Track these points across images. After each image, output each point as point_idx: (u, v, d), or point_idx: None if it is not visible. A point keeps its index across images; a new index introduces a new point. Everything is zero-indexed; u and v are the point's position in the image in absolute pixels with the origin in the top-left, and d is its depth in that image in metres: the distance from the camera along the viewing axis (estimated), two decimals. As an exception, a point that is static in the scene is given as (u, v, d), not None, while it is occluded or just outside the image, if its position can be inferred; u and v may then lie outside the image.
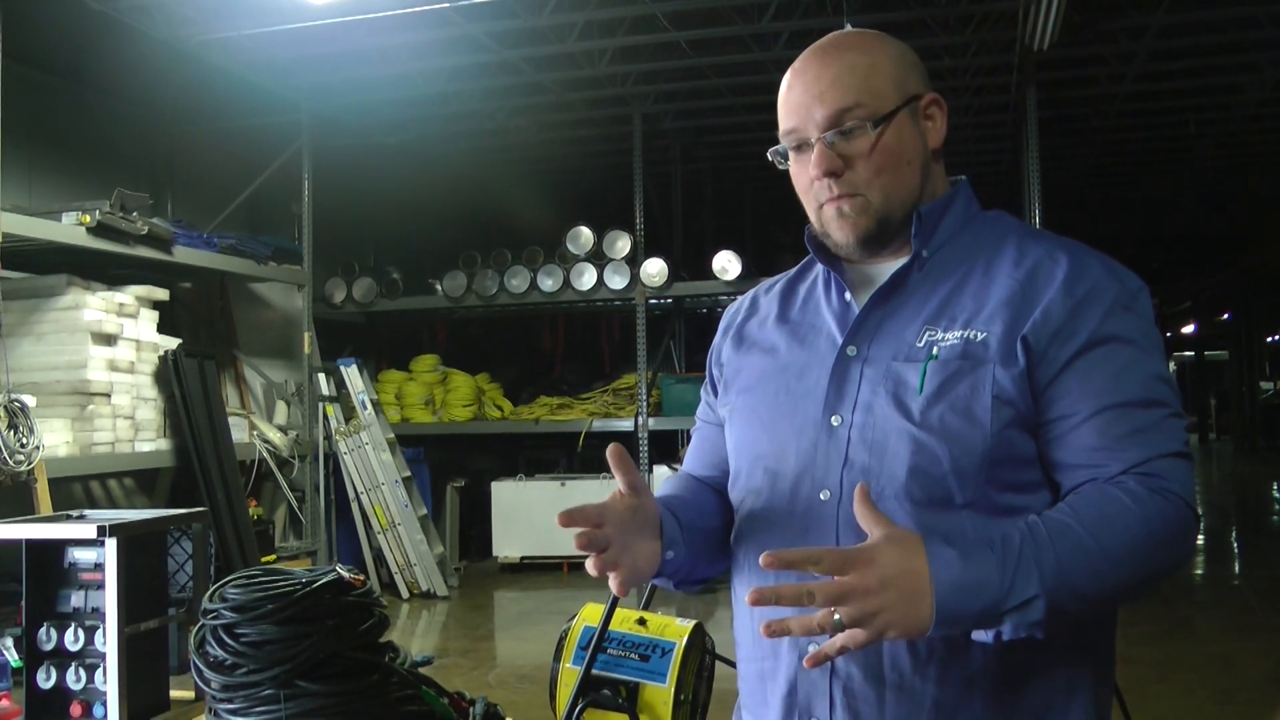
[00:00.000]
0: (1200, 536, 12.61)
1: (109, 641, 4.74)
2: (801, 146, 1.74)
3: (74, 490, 7.80)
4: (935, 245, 1.75)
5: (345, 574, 4.38)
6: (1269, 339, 31.00)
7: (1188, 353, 32.44)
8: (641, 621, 3.24)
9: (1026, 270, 1.68)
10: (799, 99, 1.73)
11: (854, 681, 1.64)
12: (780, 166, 1.81)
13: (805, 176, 1.75)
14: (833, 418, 1.70)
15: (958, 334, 1.65)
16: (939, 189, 1.79)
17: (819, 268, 1.88)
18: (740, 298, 2.03)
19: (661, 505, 1.79)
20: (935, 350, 1.65)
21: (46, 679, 4.85)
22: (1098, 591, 1.50)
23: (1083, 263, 1.68)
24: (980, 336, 1.64)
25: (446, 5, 7.76)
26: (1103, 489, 1.56)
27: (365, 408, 10.11)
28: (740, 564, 1.83)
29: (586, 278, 10.90)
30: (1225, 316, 28.88)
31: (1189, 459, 1.62)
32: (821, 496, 1.68)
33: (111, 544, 4.74)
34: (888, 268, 1.78)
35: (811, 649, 1.63)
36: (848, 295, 1.78)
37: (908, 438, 1.63)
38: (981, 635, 1.50)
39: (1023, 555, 1.46)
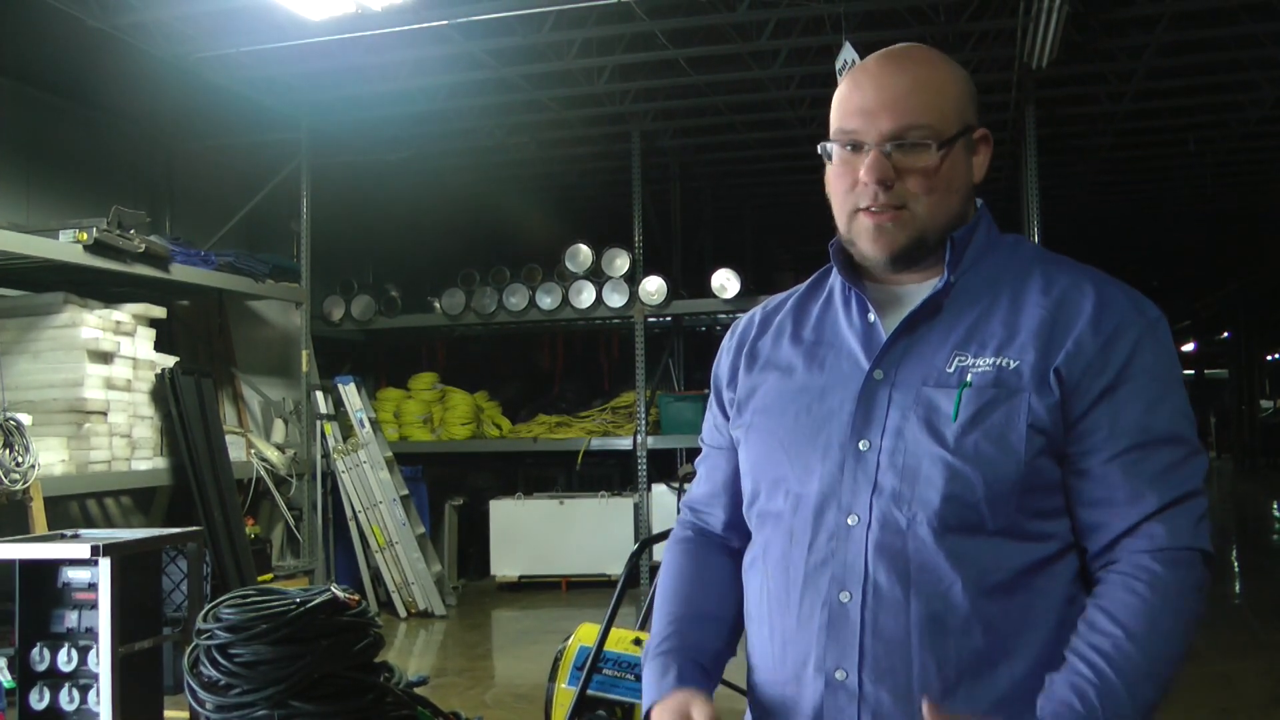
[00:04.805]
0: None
1: (102, 662, 4.71)
2: (855, 148, 1.71)
3: (70, 509, 7.77)
4: (962, 270, 1.74)
5: (340, 593, 4.36)
6: (1269, 357, 31.00)
7: (1187, 371, 32.43)
8: (637, 642, 3.21)
9: (1055, 299, 1.69)
10: (866, 102, 1.70)
11: (883, 706, 1.63)
12: (827, 162, 1.77)
13: (848, 178, 1.72)
14: (860, 442, 1.69)
15: (989, 361, 1.66)
16: (967, 216, 1.78)
17: (835, 284, 1.85)
18: (746, 315, 1.99)
19: (690, 663, 1.79)
20: (968, 377, 1.65)
21: (40, 700, 4.83)
22: (1160, 699, 1.57)
23: (1108, 294, 1.69)
24: (1013, 364, 1.65)
25: (445, 23, 7.76)
26: (1132, 587, 1.59)
27: (363, 426, 10.09)
28: (759, 587, 1.80)
29: (585, 296, 10.88)
30: (1225, 335, 28.89)
31: (1205, 495, 1.65)
32: (849, 522, 1.67)
33: (105, 563, 4.71)
34: (913, 289, 1.77)
35: (839, 675, 1.65)
36: (871, 315, 1.76)
37: (941, 464, 1.63)
38: None
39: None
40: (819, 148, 1.77)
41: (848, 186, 1.73)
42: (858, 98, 1.72)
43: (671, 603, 1.87)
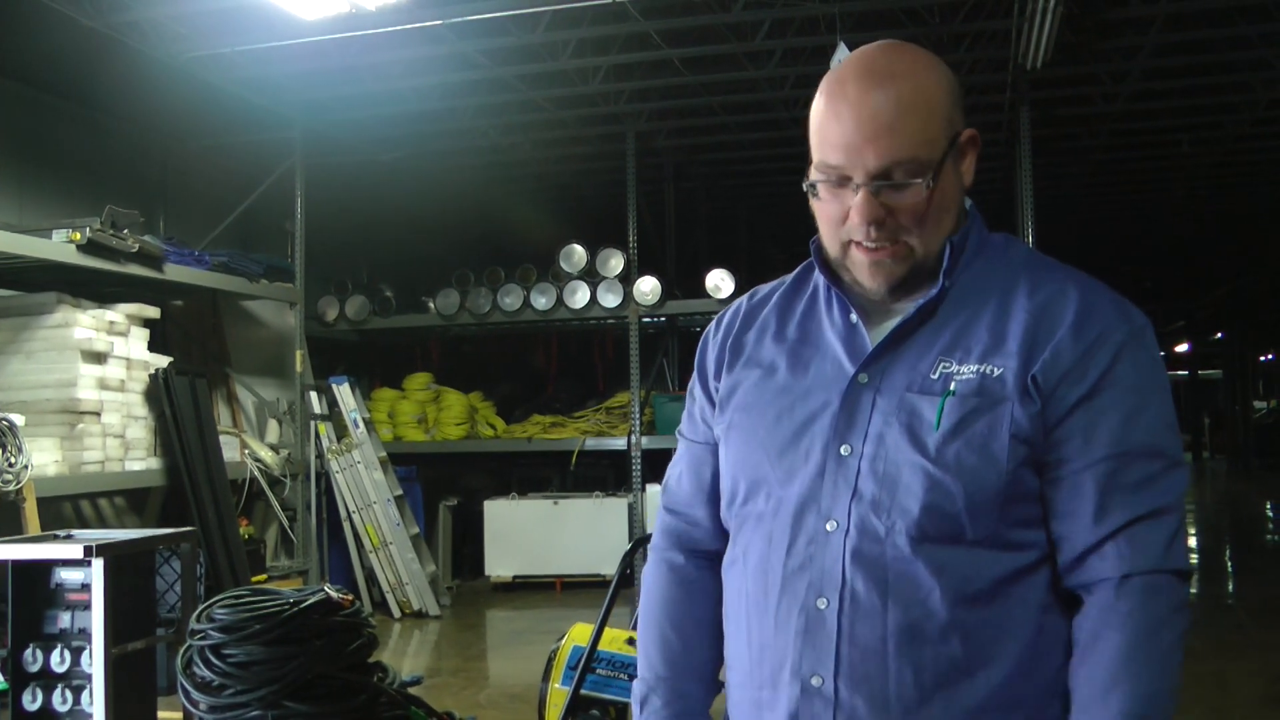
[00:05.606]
0: (1194, 556, 12.60)
1: (95, 663, 4.69)
2: (842, 182, 1.64)
3: (64, 510, 7.75)
4: (954, 276, 1.71)
5: (334, 594, 4.35)
6: (1262, 358, 31.04)
7: (1181, 371, 32.50)
8: (631, 641, 3.21)
9: (1039, 305, 1.65)
10: (848, 137, 1.61)
11: (859, 713, 1.62)
12: (813, 198, 1.70)
13: (838, 209, 1.66)
14: (842, 447, 1.66)
15: (973, 368, 1.63)
16: (961, 221, 1.74)
17: (818, 281, 1.81)
18: (733, 306, 1.93)
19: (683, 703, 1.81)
20: (952, 385, 1.62)
21: (32, 701, 4.81)
22: None
23: (1092, 301, 1.65)
24: (997, 372, 1.62)
25: (439, 23, 7.75)
26: (1109, 639, 1.57)
27: (357, 426, 10.07)
28: (738, 589, 1.78)
29: (580, 296, 10.88)
30: (1219, 336, 28.93)
31: (1179, 511, 1.62)
32: (827, 528, 1.65)
33: (98, 564, 4.70)
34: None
35: (814, 681, 1.63)
36: (853, 316, 1.73)
37: (922, 473, 1.60)
38: None
39: None
40: (804, 187, 1.70)
41: (837, 218, 1.67)
42: (838, 131, 1.62)
43: (661, 647, 1.87)
